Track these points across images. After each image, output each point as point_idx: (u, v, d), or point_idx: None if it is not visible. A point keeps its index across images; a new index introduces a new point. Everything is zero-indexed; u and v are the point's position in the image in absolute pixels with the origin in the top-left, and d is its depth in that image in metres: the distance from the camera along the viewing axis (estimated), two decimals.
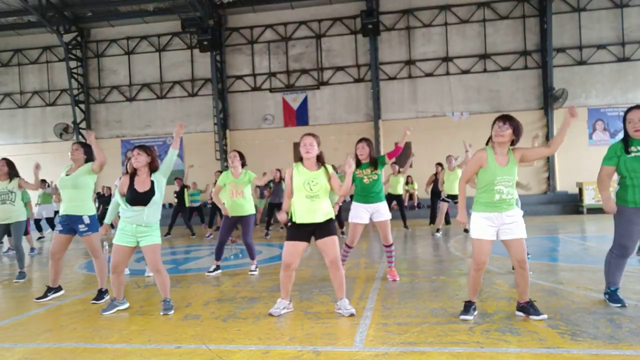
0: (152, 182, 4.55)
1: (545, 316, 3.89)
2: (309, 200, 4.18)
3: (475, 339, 3.47)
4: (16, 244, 6.86)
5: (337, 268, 4.22)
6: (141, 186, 4.53)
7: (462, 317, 3.95)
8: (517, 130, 3.81)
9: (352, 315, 4.16)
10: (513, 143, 3.87)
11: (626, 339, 3.36)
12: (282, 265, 4.30)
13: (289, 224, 4.35)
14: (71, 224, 5.21)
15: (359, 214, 5.68)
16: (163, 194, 4.64)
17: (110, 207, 5.13)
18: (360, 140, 5.73)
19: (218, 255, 6.66)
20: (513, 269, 4.29)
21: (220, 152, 18.49)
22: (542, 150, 4.08)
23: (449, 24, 17.63)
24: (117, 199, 4.68)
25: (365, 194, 5.66)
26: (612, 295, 4.26)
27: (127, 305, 4.82)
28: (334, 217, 4.36)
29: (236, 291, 5.51)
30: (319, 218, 4.20)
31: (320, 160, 4.31)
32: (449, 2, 17.52)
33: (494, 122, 3.90)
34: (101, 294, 5.22)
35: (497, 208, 3.85)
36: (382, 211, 5.67)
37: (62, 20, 18.31)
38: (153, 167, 4.63)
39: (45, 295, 5.35)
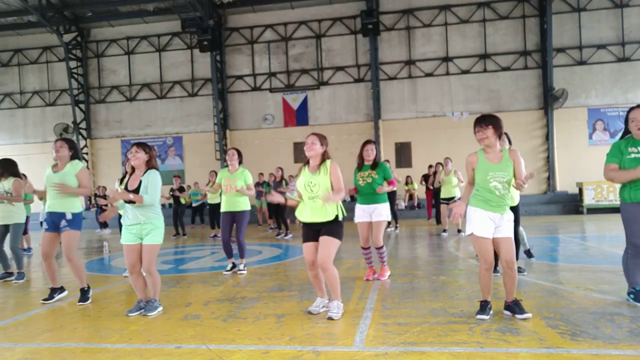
0: (140, 182, 4.51)
1: (529, 315, 3.89)
2: (311, 202, 4.25)
3: (475, 339, 3.47)
4: (12, 246, 6.76)
5: (325, 269, 4.18)
6: (131, 185, 4.55)
7: (478, 316, 3.95)
8: (497, 125, 3.86)
9: (330, 319, 4.12)
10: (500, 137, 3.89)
11: (626, 339, 3.36)
12: (306, 265, 4.39)
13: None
14: (55, 221, 5.14)
15: (359, 213, 5.84)
16: (156, 193, 4.56)
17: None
18: (369, 142, 5.84)
19: (228, 254, 6.78)
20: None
21: (220, 152, 18.48)
22: (521, 174, 3.89)
23: (449, 24, 17.63)
24: None
25: (362, 194, 5.82)
26: (637, 295, 4.22)
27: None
28: (340, 218, 4.28)
29: (236, 291, 5.51)
30: (320, 218, 4.23)
31: (322, 159, 4.29)
32: (449, 2, 17.52)
33: (474, 127, 3.93)
34: (84, 293, 5.20)
35: (499, 208, 3.87)
36: (379, 212, 5.73)
37: (62, 20, 18.30)
38: (150, 166, 4.61)
39: (51, 297, 5.31)
